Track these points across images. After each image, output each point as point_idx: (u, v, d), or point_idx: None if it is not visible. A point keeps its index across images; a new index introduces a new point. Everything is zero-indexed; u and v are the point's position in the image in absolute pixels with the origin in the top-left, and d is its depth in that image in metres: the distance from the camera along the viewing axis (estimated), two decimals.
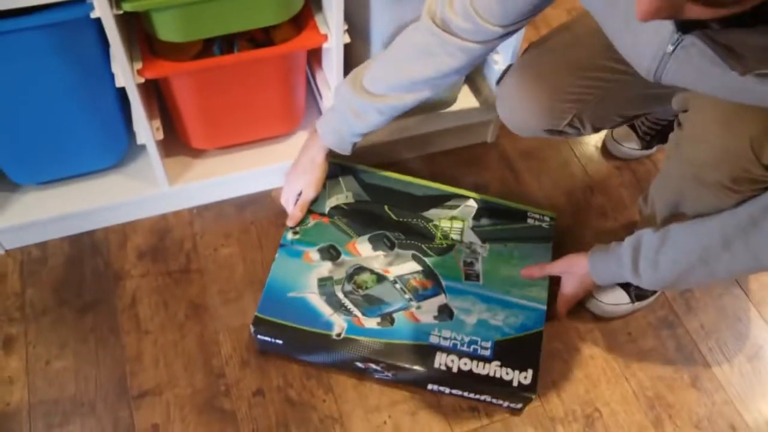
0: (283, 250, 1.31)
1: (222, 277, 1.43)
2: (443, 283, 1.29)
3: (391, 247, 1.32)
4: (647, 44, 0.86)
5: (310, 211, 1.35)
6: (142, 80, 1.23)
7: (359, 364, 1.24)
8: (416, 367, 1.20)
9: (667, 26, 0.81)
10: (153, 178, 1.45)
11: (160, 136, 1.35)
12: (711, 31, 0.73)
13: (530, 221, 1.40)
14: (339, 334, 1.21)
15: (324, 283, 1.27)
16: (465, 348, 1.22)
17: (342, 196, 1.37)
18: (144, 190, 1.46)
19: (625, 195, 1.61)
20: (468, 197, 1.40)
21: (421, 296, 1.27)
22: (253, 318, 1.23)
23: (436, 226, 1.35)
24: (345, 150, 1.29)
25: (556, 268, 1.31)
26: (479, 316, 1.26)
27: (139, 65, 1.23)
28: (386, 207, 1.37)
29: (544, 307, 1.30)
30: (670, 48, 0.83)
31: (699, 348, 1.40)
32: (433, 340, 1.23)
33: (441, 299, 1.28)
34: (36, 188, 1.46)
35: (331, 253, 1.31)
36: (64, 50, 1.18)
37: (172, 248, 1.47)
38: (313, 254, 1.31)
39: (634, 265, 1.14)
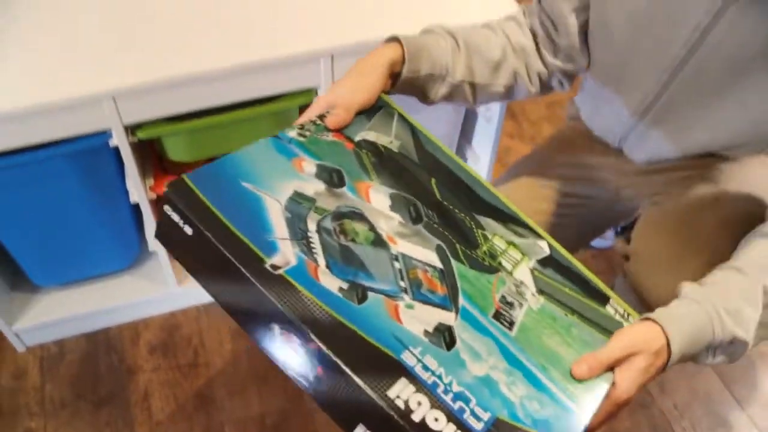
0: (270, 139, 0.92)
1: (227, 370, 1.54)
2: (461, 301, 0.88)
3: (416, 220, 0.94)
4: (699, 0, 0.91)
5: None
6: (154, 196, 1.37)
7: (277, 329, 0.76)
8: (360, 381, 0.73)
9: None
10: (162, 279, 1.57)
11: None
12: None
13: (609, 310, 0.98)
14: (277, 267, 0.76)
15: (299, 200, 0.86)
16: (447, 398, 0.76)
17: (385, 137, 1.02)
18: (154, 290, 1.59)
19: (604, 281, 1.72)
20: (543, 238, 1.02)
21: (421, 296, 0.86)
22: (173, 180, 0.79)
23: (485, 237, 0.98)
24: (416, 62, 1.00)
25: (616, 349, 0.82)
26: (490, 372, 0.83)
27: (151, 182, 1.37)
28: (433, 180, 1.00)
29: (587, 421, 0.82)
30: None
31: (673, 428, 1.49)
32: (407, 359, 0.78)
33: (447, 317, 0.85)
34: (55, 289, 1.59)
35: (332, 177, 0.91)
36: (85, 172, 1.33)
37: (181, 343, 1.59)
38: (309, 165, 0.91)
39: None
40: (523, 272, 0.97)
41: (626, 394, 0.80)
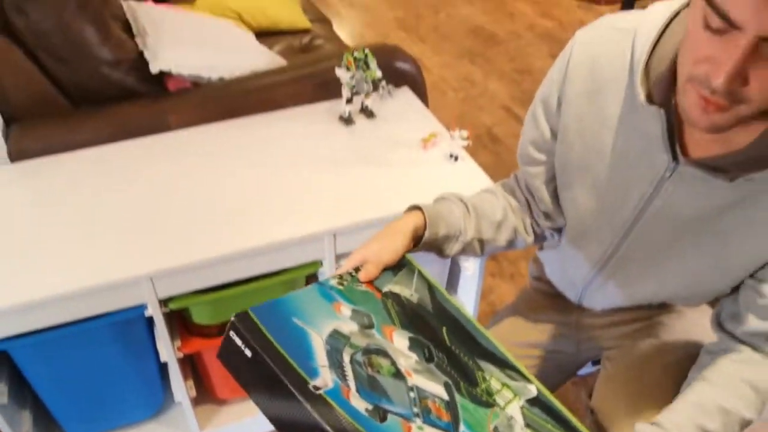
0: (316, 286, 1.12)
1: None
2: (462, 427, 1.07)
3: (428, 360, 1.14)
4: (643, 175, 1.07)
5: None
6: (182, 355, 1.56)
7: None
8: None
9: (663, 158, 1.02)
10: (186, 426, 1.75)
11: (194, 393, 1.67)
12: (701, 159, 1.01)
13: None
14: (318, 388, 0.97)
15: (337, 337, 1.07)
16: None
17: (407, 291, 1.23)
18: None
19: (582, 409, 1.89)
20: (532, 383, 1.18)
21: (429, 421, 1.06)
22: (240, 312, 1.00)
23: (484, 378, 1.17)
24: (435, 227, 1.19)
25: None
26: None
27: (178, 343, 1.57)
28: (444, 329, 1.20)
29: None
30: (668, 174, 1.03)
31: None
32: None
33: None
34: None
35: (364, 320, 1.12)
36: (120, 338, 1.53)
37: None
38: (345, 309, 1.12)
39: None
40: (514, 409, 1.14)
41: None
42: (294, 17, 2.66)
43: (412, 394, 1.07)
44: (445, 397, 1.10)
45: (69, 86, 1.81)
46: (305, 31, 2.66)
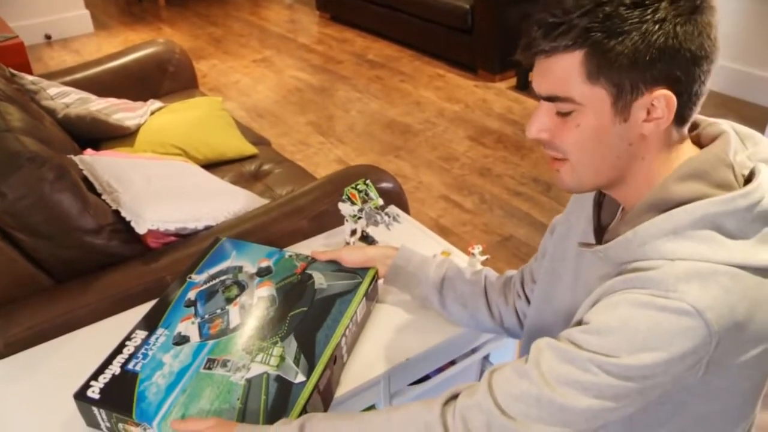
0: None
1: None
2: (209, 343, 1.32)
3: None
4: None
5: None
6: None
7: None
8: None
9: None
10: None
11: None
12: None
13: None
14: None
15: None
16: None
17: (326, 282, 1.48)
18: None
19: None
20: (307, 377, 1.26)
21: (205, 326, 1.37)
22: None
23: (273, 344, 1.31)
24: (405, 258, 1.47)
25: None
26: None
27: None
28: (302, 310, 1.40)
29: None
30: None
31: None
32: None
33: None
34: None
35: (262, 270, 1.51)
36: None
37: None
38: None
39: None
40: (258, 369, 1.26)
41: None
42: (238, 144, 2.62)
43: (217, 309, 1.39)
44: (231, 325, 1.35)
45: (50, 262, 1.69)
46: (251, 157, 2.63)
